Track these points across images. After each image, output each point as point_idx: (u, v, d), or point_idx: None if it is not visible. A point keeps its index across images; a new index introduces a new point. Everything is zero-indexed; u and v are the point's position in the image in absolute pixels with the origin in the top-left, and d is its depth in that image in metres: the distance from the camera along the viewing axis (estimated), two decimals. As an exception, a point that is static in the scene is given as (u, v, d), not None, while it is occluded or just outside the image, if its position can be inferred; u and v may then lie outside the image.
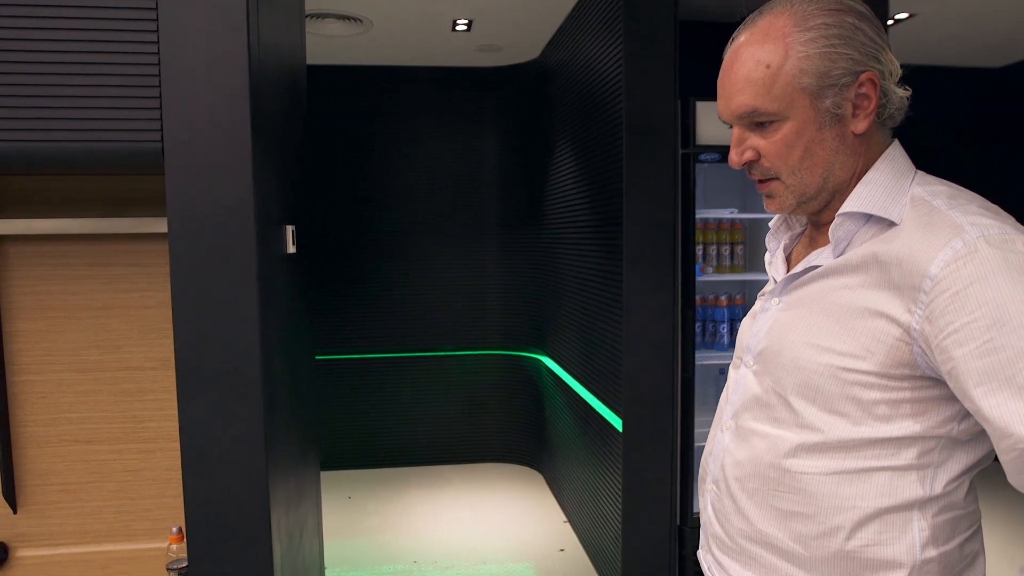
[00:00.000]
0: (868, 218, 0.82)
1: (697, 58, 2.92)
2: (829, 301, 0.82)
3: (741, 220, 2.94)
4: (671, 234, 2.46)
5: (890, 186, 0.82)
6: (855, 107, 0.81)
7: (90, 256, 1.71)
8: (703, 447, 3.17)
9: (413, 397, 4.26)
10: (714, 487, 0.96)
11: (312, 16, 3.14)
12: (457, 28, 3.38)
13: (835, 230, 0.84)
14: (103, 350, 1.72)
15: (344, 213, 4.14)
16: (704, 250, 2.86)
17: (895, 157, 0.84)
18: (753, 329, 0.94)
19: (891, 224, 0.80)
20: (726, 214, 2.80)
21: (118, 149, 1.34)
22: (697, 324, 2.73)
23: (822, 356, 0.81)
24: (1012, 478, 0.73)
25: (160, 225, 1.64)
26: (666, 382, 2.48)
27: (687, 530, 2.58)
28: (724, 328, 2.86)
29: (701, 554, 1.01)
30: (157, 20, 1.33)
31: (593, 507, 2.96)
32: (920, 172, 0.85)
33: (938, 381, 0.77)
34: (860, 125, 0.82)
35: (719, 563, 0.95)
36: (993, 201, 0.82)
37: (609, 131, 2.65)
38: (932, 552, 0.80)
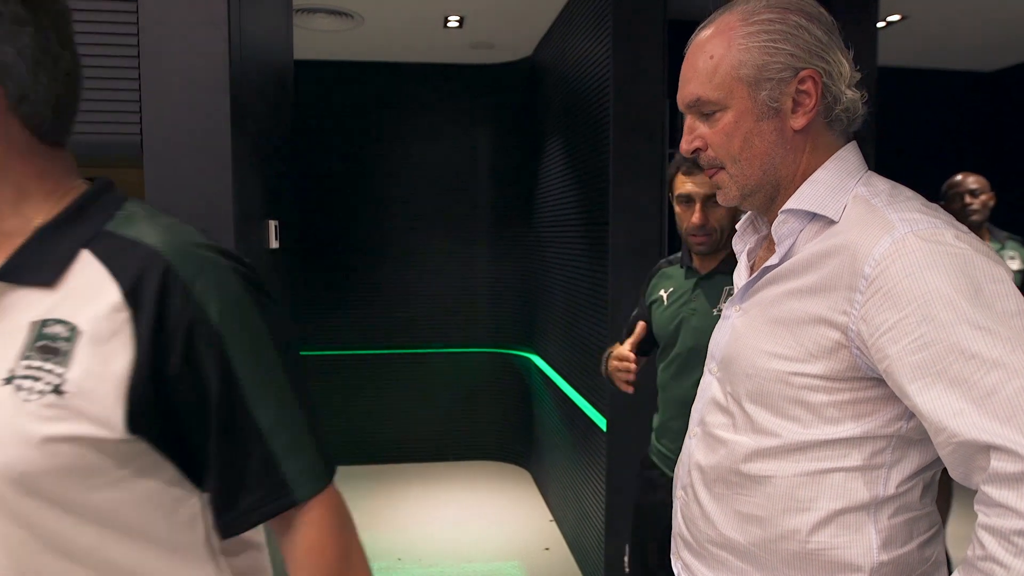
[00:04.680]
0: (812, 217, 0.83)
1: (687, 58, 2.93)
2: (777, 306, 0.84)
3: (730, 221, 2.94)
4: (657, 233, 2.46)
5: (835, 185, 0.82)
6: (795, 103, 0.82)
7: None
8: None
9: (402, 394, 4.25)
10: (683, 493, 0.97)
11: (302, 11, 3.12)
12: (449, 25, 3.37)
13: (778, 227, 0.84)
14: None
15: (335, 209, 4.13)
16: (692, 250, 2.86)
17: (846, 158, 0.85)
18: (716, 336, 0.96)
19: (831, 223, 0.81)
20: (714, 214, 2.80)
21: (97, 141, 1.34)
22: (684, 324, 2.74)
23: (770, 362, 0.82)
24: (952, 471, 0.73)
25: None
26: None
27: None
28: (711, 328, 2.86)
29: (672, 559, 1.01)
30: (137, 12, 1.32)
31: (578, 506, 2.96)
32: (871, 173, 0.85)
33: (880, 381, 0.77)
34: (799, 121, 0.82)
35: (688, 567, 0.95)
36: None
37: (598, 130, 2.65)
38: (889, 554, 0.80)
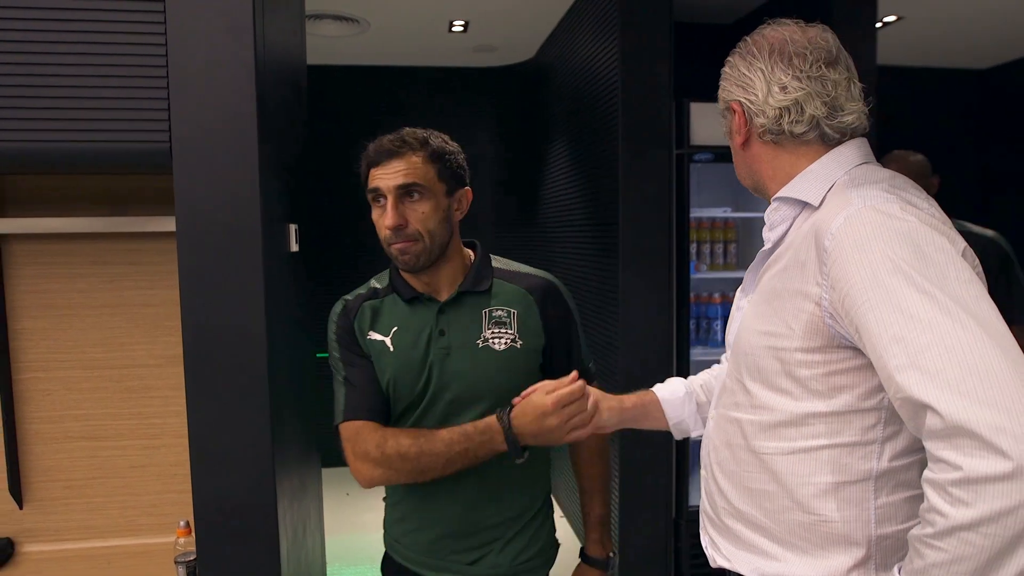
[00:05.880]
0: (803, 205, 0.91)
1: (692, 60, 2.97)
2: (767, 287, 0.92)
3: (734, 219, 2.98)
4: (666, 233, 2.50)
5: (821, 176, 0.91)
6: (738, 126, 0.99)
7: (92, 255, 1.72)
8: (698, 440, 3.21)
9: (409, 395, 4.27)
10: (704, 471, 1.06)
11: (309, 17, 3.15)
12: (454, 29, 3.40)
13: (770, 214, 0.95)
14: (107, 347, 1.73)
15: (339, 212, 4.15)
16: (698, 248, 2.90)
17: (843, 153, 0.92)
18: (731, 326, 1.04)
19: (815, 208, 0.89)
20: (719, 213, 2.84)
21: (126, 149, 1.35)
22: (692, 321, 2.78)
23: (761, 339, 0.90)
24: (908, 425, 0.77)
25: (161, 224, 1.65)
26: (662, 378, 2.52)
27: (683, 523, 2.62)
28: (718, 325, 2.90)
29: (701, 534, 1.09)
30: (165, 21, 1.35)
31: (589, 502, 2.99)
32: (867, 164, 0.92)
33: (856, 352, 0.82)
34: (737, 140, 1.00)
35: (712, 541, 1.04)
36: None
37: (605, 132, 2.68)
38: (889, 529, 0.84)
